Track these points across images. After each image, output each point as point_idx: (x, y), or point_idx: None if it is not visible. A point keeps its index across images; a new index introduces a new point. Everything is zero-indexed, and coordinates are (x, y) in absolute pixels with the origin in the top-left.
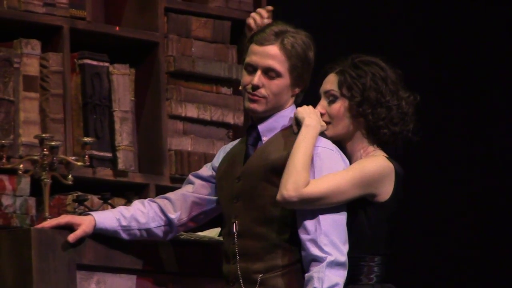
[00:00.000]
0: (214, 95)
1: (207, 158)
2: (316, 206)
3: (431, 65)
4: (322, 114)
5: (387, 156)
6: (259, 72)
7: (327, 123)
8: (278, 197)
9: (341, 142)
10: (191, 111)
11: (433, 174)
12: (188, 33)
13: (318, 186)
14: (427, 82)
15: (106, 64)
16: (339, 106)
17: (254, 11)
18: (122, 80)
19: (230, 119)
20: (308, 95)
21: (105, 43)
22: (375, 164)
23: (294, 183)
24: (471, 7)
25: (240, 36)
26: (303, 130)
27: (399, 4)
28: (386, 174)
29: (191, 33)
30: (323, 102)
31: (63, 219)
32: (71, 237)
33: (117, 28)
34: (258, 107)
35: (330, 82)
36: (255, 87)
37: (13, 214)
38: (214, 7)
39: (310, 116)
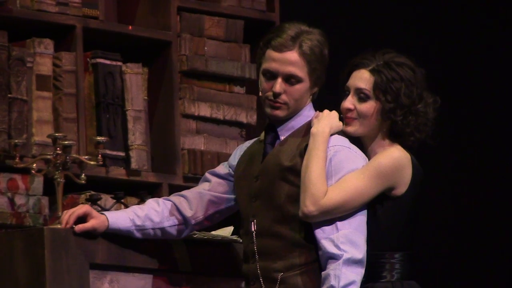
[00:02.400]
0: (227, 94)
1: (220, 157)
2: (339, 214)
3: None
4: (350, 110)
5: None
6: (279, 79)
7: (354, 119)
8: (300, 214)
9: (361, 139)
10: (204, 110)
11: (456, 173)
12: (201, 32)
13: (336, 194)
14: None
15: (119, 63)
16: (370, 107)
17: (267, 10)
18: (135, 79)
19: (243, 118)
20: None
21: (118, 42)
22: (390, 156)
23: (312, 197)
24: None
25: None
26: (310, 139)
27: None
28: (404, 164)
29: (204, 32)
30: (352, 98)
31: (81, 209)
32: (78, 228)
33: (130, 27)
34: (281, 113)
35: (364, 80)
36: (277, 95)
37: (26, 213)
38: (227, 6)
39: (319, 122)
